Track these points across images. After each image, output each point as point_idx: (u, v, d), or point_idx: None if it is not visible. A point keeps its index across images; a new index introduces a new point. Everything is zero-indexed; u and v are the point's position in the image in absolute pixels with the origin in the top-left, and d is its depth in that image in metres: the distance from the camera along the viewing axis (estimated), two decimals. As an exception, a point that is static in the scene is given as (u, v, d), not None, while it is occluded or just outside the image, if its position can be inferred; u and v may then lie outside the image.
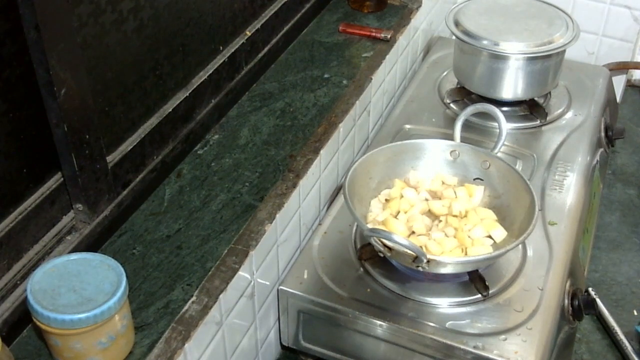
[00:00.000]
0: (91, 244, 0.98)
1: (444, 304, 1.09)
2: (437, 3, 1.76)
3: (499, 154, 1.22)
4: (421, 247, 1.06)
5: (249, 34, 1.32)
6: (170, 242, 1.03)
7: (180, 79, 1.16)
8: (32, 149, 0.90)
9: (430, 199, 1.20)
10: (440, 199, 1.20)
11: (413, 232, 1.13)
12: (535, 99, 1.48)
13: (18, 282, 0.89)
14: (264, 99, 1.33)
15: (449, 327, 1.05)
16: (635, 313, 1.36)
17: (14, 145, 0.87)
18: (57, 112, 0.87)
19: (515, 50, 1.39)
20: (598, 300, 1.30)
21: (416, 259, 0.99)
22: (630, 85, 2.05)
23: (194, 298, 0.94)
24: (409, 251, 0.99)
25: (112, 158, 1.02)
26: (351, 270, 1.15)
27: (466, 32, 1.43)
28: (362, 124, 1.41)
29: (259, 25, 1.34)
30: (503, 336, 1.04)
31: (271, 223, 1.07)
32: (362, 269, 1.15)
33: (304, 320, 1.14)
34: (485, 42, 1.40)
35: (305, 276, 1.13)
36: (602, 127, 1.54)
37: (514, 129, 1.44)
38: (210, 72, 1.22)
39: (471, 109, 1.27)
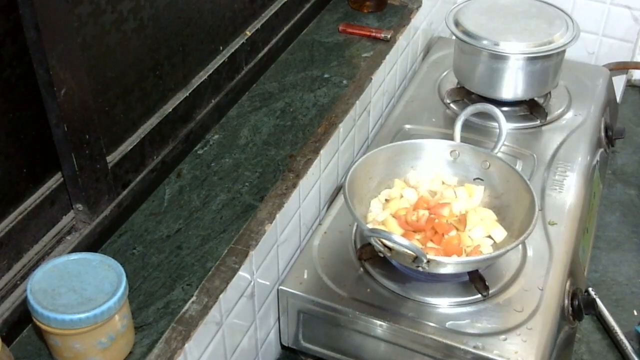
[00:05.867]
0: (91, 244, 0.98)
1: (444, 304, 1.09)
2: (437, 3, 1.77)
3: (499, 154, 1.22)
4: (421, 247, 1.07)
5: (249, 34, 1.32)
6: (170, 242, 1.03)
7: (180, 79, 1.16)
8: (32, 149, 0.90)
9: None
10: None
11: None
12: (535, 99, 1.48)
13: (18, 282, 0.89)
14: (264, 99, 1.33)
15: (449, 327, 1.05)
16: (635, 313, 1.36)
17: (14, 145, 0.87)
18: (57, 112, 0.87)
19: (515, 50, 1.39)
20: (598, 300, 1.30)
21: (416, 259, 0.99)
22: (630, 85, 2.05)
23: (194, 298, 0.94)
24: (409, 251, 0.99)
25: (112, 158, 1.02)
26: (351, 270, 1.15)
27: (466, 32, 1.43)
28: (362, 124, 1.41)
29: (259, 25, 1.34)
30: (503, 336, 1.04)
31: (271, 223, 1.07)
32: (362, 269, 1.15)
33: (304, 320, 1.14)
34: (485, 42, 1.40)
35: (305, 276, 1.13)
36: (602, 127, 1.54)
37: (514, 129, 1.44)
38: (210, 72, 1.22)
39: (471, 109, 1.27)
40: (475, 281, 1.09)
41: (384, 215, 1.15)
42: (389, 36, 1.50)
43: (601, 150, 1.53)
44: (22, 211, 0.90)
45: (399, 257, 1.04)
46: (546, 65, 1.42)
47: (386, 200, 1.20)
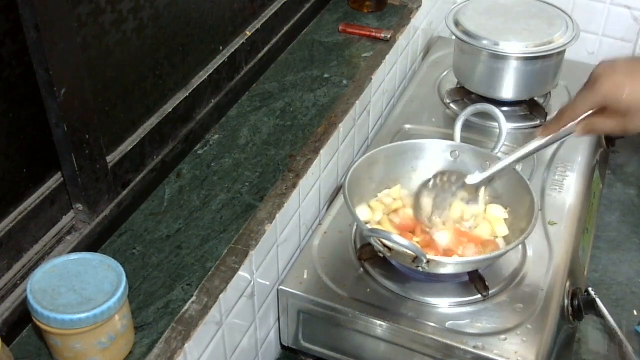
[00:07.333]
0: (91, 244, 0.98)
1: (444, 304, 1.09)
2: (437, 3, 1.76)
3: (499, 154, 1.22)
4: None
5: (249, 34, 1.32)
6: (170, 242, 1.03)
7: (180, 79, 1.16)
8: (32, 149, 0.90)
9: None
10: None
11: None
12: (535, 99, 1.48)
13: (18, 282, 0.89)
14: (264, 99, 1.33)
15: (449, 327, 1.05)
16: (635, 313, 1.36)
17: (14, 145, 0.87)
18: (57, 112, 0.87)
19: (515, 50, 1.39)
20: (598, 300, 1.29)
21: (416, 259, 0.99)
22: (630, 85, 2.04)
23: (194, 298, 0.94)
24: (408, 251, 0.99)
25: (112, 158, 1.02)
26: (351, 270, 1.15)
27: (466, 32, 1.43)
28: (362, 124, 1.41)
29: (259, 25, 1.34)
30: (503, 336, 1.04)
31: (271, 223, 1.07)
32: (362, 269, 1.15)
33: (304, 320, 1.14)
34: (485, 42, 1.40)
35: (305, 276, 1.13)
36: (602, 127, 1.54)
37: (514, 129, 1.43)
38: (210, 72, 1.22)
39: (471, 109, 1.27)
40: (475, 281, 1.09)
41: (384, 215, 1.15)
42: (389, 36, 1.50)
43: (601, 150, 1.53)
44: (22, 211, 0.90)
45: (399, 257, 1.04)
46: (546, 65, 1.42)
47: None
